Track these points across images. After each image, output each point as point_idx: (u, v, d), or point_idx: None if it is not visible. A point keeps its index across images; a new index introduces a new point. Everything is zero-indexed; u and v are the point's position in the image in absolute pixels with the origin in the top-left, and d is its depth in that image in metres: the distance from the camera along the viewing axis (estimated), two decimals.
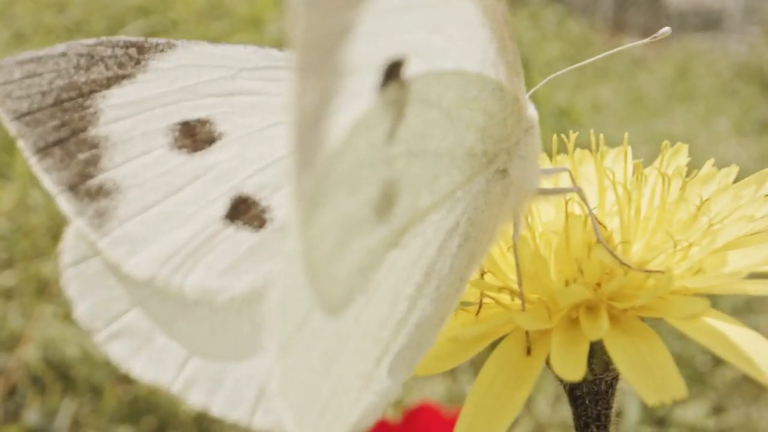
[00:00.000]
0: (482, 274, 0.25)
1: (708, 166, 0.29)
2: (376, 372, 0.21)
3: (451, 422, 0.73)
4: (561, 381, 0.24)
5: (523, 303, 0.23)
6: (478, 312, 0.25)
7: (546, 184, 0.28)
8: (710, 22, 5.04)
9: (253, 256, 0.24)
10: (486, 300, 0.25)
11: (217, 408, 0.23)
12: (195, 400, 0.23)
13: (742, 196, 0.26)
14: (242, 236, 0.24)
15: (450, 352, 0.23)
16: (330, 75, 0.16)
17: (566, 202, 0.26)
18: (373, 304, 0.20)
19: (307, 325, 0.18)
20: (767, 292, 0.21)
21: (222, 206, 0.25)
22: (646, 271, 0.23)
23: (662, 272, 0.22)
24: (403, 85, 0.19)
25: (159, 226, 0.24)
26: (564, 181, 0.28)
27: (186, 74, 0.25)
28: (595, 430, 0.25)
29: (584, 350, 0.21)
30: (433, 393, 1.15)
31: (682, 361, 1.36)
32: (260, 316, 0.23)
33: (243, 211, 0.25)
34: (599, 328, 0.21)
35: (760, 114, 2.75)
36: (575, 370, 0.20)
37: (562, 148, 0.29)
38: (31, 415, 0.98)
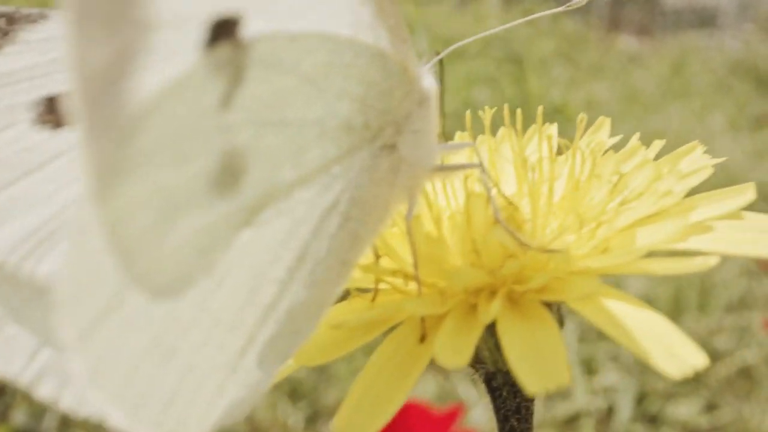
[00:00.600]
0: (377, 258, 0.23)
1: (634, 140, 0.27)
2: (242, 363, 0.18)
3: (440, 421, 0.73)
4: (476, 371, 0.23)
5: (419, 287, 0.22)
6: (373, 298, 0.23)
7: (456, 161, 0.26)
8: (705, 19, 5.04)
9: None
10: (384, 286, 0.23)
11: (67, 403, 0.21)
12: (44, 393, 0.21)
13: (662, 171, 0.24)
14: None
15: (336, 341, 0.21)
16: (129, 28, 0.14)
17: (466, 180, 0.24)
18: (224, 289, 0.18)
19: (118, 310, 0.16)
20: (669, 271, 0.19)
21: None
22: (545, 250, 0.21)
23: (560, 251, 0.21)
24: (238, 45, 0.17)
25: (13, 207, 0.22)
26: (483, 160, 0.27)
27: (57, 46, 0.23)
28: (515, 423, 0.23)
29: (474, 336, 0.19)
30: (425, 391, 1.15)
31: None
32: None
33: None
34: (490, 312, 0.19)
35: (755, 110, 2.74)
36: (459, 356, 0.18)
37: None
38: (19, 415, 0.97)
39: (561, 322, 0.23)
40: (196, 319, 0.18)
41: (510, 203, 0.24)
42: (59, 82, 0.23)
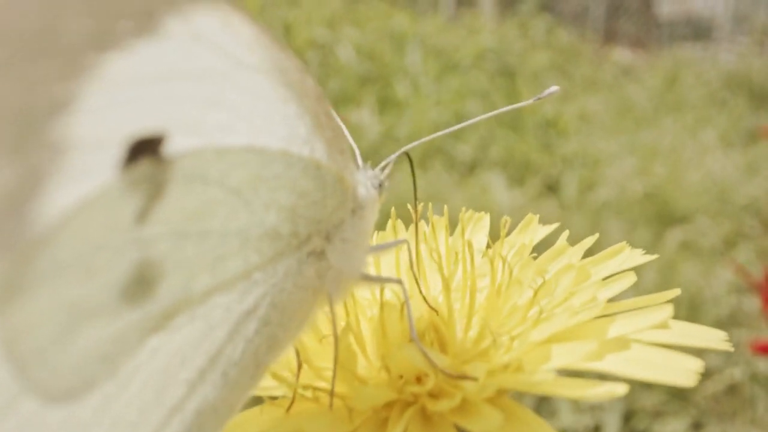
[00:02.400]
0: (299, 366, 0.23)
1: (561, 239, 0.27)
2: None
3: None
4: None
5: (331, 401, 0.21)
6: (288, 408, 0.22)
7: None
8: (700, 32, 5.06)
9: None
10: (302, 392, 0.22)
11: None
12: None
13: (590, 274, 0.24)
14: None
15: None
16: (37, 152, 0.14)
17: (381, 291, 0.24)
18: (129, 391, 0.17)
19: (13, 413, 0.16)
20: (576, 396, 0.19)
21: None
22: (456, 376, 0.21)
23: (473, 378, 0.20)
24: (160, 162, 0.17)
25: None
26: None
27: None
28: None
29: None
30: None
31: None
32: None
33: None
34: None
35: (748, 124, 2.75)
36: None
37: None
38: None
39: None
40: (95, 422, 0.17)
41: (433, 310, 0.23)
42: None
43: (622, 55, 4.16)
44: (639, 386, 1.30)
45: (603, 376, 0.19)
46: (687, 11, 5.24)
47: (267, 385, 0.23)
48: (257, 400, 0.23)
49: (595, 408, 1.22)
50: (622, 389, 0.18)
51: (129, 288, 0.17)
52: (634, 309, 0.22)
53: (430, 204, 0.27)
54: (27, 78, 0.14)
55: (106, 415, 0.17)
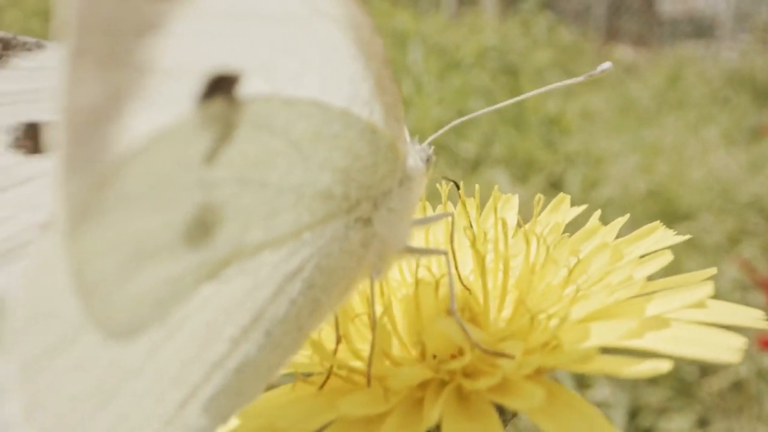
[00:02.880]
0: (338, 342, 0.23)
1: (594, 219, 0.27)
2: (179, 416, 0.18)
3: None
4: None
5: (369, 380, 0.21)
6: (321, 386, 0.22)
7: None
8: (703, 29, 5.05)
9: None
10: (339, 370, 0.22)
11: None
12: None
13: (623, 254, 0.23)
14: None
15: None
16: (125, 71, 0.14)
17: (417, 266, 0.23)
18: (175, 341, 0.17)
19: (67, 348, 0.16)
20: (619, 374, 0.18)
21: (46, 213, 0.23)
22: (495, 353, 0.20)
23: (510, 356, 0.20)
24: (233, 102, 0.17)
25: None
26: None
27: (47, 76, 0.23)
28: None
29: None
30: None
31: (669, 373, 1.34)
32: None
33: None
34: (433, 415, 0.19)
35: (751, 122, 2.74)
36: None
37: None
38: None
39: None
40: (141, 367, 0.17)
41: (466, 289, 0.23)
42: (43, 111, 0.23)
43: (624, 53, 4.16)
44: (644, 383, 1.30)
45: (643, 355, 0.19)
46: (689, 9, 5.23)
47: (300, 362, 0.23)
48: (288, 378, 0.23)
49: (601, 405, 1.22)
50: (666, 365, 0.18)
51: (190, 230, 0.17)
52: (671, 288, 0.22)
53: (461, 182, 0.27)
54: None
55: (151, 365, 0.17)
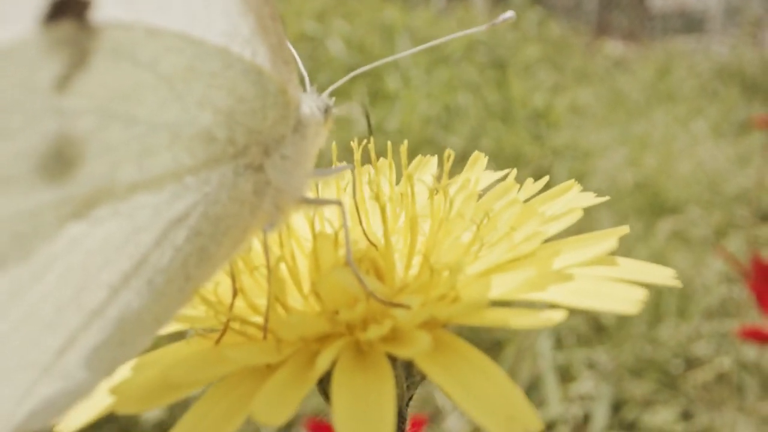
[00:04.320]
0: (234, 295, 0.22)
1: (510, 177, 0.26)
2: (58, 365, 0.17)
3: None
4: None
5: (265, 333, 0.20)
6: (217, 341, 0.21)
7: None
8: (693, 24, 5.06)
9: None
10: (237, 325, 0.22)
11: None
12: None
13: (535, 212, 0.23)
14: None
15: (157, 389, 0.20)
16: None
17: (314, 218, 0.23)
18: (44, 282, 0.17)
19: None
20: (512, 325, 0.18)
21: None
22: (389, 303, 0.20)
23: (406, 306, 0.20)
24: (85, 27, 0.16)
25: None
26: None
27: None
28: None
29: (303, 390, 0.18)
30: None
31: (654, 366, 1.35)
32: None
33: None
34: (320, 365, 0.18)
35: (740, 115, 2.75)
36: (280, 413, 0.17)
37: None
38: None
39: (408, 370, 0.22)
40: (5, 308, 0.17)
41: (372, 245, 0.23)
42: None
43: (614, 47, 4.16)
44: (629, 376, 1.30)
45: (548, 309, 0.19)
46: (680, 4, 5.24)
47: (197, 317, 0.22)
48: (180, 336, 0.22)
49: (585, 398, 1.21)
50: (559, 316, 0.18)
51: (47, 162, 0.16)
52: (580, 244, 0.22)
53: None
54: None
55: (17, 304, 0.17)
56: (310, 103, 0.22)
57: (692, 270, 1.52)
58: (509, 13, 0.25)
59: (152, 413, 1.03)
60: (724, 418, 1.09)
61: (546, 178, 0.26)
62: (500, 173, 0.28)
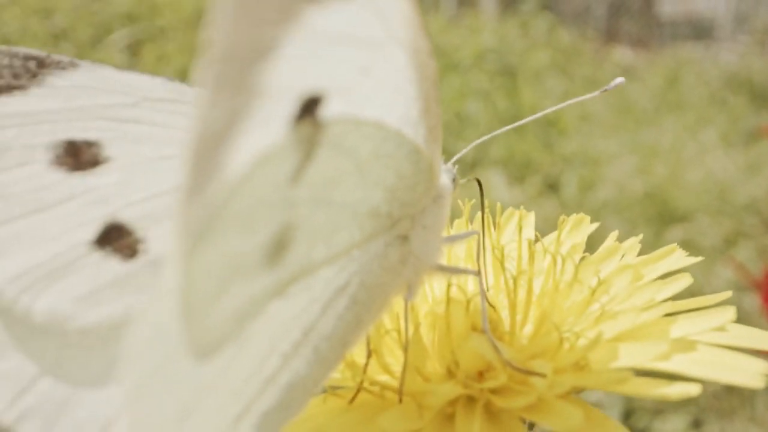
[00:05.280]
0: (369, 356, 0.23)
1: (611, 239, 0.27)
2: (234, 430, 0.19)
3: None
4: None
5: (400, 396, 0.21)
6: (352, 400, 0.22)
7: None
8: (702, 31, 5.05)
9: (117, 287, 0.23)
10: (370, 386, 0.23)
11: None
12: None
13: (642, 275, 0.24)
14: (109, 264, 0.23)
15: None
16: (243, 93, 0.14)
17: (449, 285, 0.24)
18: (243, 357, 0.18)
19: (169, 370, 0.17)
20: (650, 395, 0.19)
21: (93, 230, 0.23)
22: (527, 371, 0.21)
23: (542, 375, 0.20)
24: (318, 123, 0.17)
25: (17, 242, 0.22)
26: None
27: (83, 95, 0.24)
28: None
29: None
30: None
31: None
32: (114, 351, 0.21)
33: (115, 238, 0.23)
34: (472, 430, 0.19)
35: (748, 124, 2.75)
36: None
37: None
38: None
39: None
40: (216, 383, 0.18)
41: (491, 306, 0.24)
42: (79, 130, 0.24)
43: (623, 54, 4.16)
44: None
45: (670, 377, 0.19)
46: (688, 11, 5.23)
47: (333, 376, 0.23)
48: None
49: (595, 405, 1.21)
50: (695, 389, 0.18)
51: (271, 249, 0.17)
52: (693, 310, 0.23)
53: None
54: (255, 15, 0.14)
55: (222, 380, 0.18)
56: (445, 174, 0.23)
57: (701, 279, 1.53)
58: (620, 79, 0.26)
59: None
60: (735, 428, 1.10)
61: (639, 236, 0.26)
62: (592, 226, 0.28)
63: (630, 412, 1.23)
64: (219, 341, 0.17)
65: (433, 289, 0.26)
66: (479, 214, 0.28)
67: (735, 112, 2.94)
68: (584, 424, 0.19)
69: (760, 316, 1.26)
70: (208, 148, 0.14)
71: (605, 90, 0.27)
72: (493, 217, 0.28)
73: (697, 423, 1.20)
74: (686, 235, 1.77)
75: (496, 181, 1.83)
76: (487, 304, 0.24)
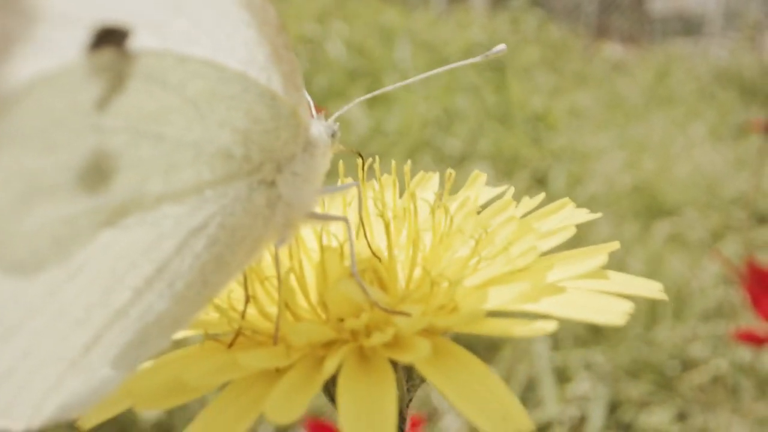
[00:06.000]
0: (247, 302, 0.23)
1: (508, 194, 0.28)
2: (84, 360, 0.19)
3: None
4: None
5: (276, 338, 0.22)
6: (230, 345, 0.23)
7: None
8: (692, 27, 5.07)
9: None
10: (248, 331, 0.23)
11: None
12: None
13: (531, 228, 0.24)
14: None
15: (174, 388, 0.21)
16: (10, 15, 0.15)
17: (321, 232, 0.25)
18: (77, 283, 0.18)
19: None
20: (506, 333, 0.19)
21: None
22: (392, 311, 0.21)
23: (407, 314, 0.21)
24: (123, 55, 0.18)
25: None
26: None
27: None
28: None
29: (310, 392, 0.19)
30: None
31: (650, 367, 1.35)
32: None
33: None
34: (327, 368, 0.19)
35: (737, 119, 2.76)
36: (290, 412, 0.18)
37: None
38: None
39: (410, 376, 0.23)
40: (42, 305, 0.18)
41: (374, 256, 0.24)
42: None
43: (613, 50, 4.17)
44: (625, 377, 1.31)
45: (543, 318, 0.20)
46: (679, 7, 5.25)
47: (210, 322, 0.24)
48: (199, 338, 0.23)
49: (581, 399, 1.22)
50: (551, 326, 0.19)
51: (85, 174, 0.18)
52: (572, 259, 0.23)
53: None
54: None
55: (53, 302, 0.18)
56: (318, 126, 0.23)
57: (689, 272, 1.53)
58: (501, 46, 0.27)
59: (151, 413, 1.04)
60: (720, 420, 1.10)
61: (542, 196, 0.27)
62: (499, 189, 0.29)
63: (616, 405, 1.23)
64: (34, 260, 0.18)
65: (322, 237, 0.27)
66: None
67: (724, 106, 2.95)
68: (433, 356, 0.20)
69: (745, 309, 1.26)
70: None
71: (486, 56, 0.28)
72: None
73: (681, 416, 1.20)
74: (674, 228, 1.77)
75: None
76: (369, 254, 0.25)
